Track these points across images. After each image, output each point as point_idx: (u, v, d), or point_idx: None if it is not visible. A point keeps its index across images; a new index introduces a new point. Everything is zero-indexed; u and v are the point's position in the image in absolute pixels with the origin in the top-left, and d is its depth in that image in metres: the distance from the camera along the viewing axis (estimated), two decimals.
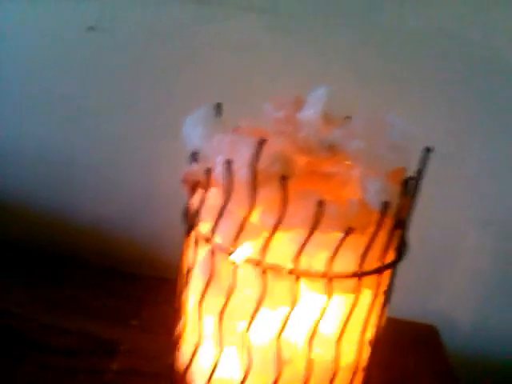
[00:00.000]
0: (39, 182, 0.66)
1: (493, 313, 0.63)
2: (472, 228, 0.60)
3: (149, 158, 0.61)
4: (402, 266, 0.38)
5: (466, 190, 0.59)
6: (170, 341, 0.41)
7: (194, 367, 0.39)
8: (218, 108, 0.38)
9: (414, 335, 0.57)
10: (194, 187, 0.36)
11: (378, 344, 0.40)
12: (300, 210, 0.32)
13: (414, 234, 0.38)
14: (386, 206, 0.32)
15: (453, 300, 0.63)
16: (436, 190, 0.56)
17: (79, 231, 0.65)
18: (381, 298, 0.38)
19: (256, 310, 0.34)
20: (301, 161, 0.34)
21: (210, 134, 0.36)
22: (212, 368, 0.37)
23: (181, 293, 0.39)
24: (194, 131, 0.36)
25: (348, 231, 0.31)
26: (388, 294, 0.38)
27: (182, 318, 0.40)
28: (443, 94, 0.56)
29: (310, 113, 0.36)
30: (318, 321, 0.34)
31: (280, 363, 0.35)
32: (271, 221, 0.32)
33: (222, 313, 0.35)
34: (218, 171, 0.33)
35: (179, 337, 0.40)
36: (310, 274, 0.33)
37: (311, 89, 0.38)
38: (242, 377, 0.35)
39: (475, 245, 0.61)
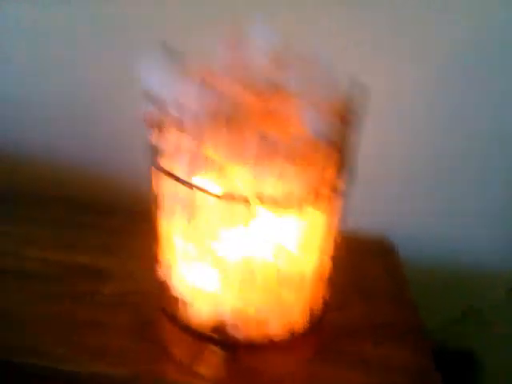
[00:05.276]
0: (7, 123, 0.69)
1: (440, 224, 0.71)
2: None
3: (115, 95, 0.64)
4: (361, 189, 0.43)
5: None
6: (154, 264, 0.47)
7: (177, 282, 0.45)
8: (172, 50, 0.41)
9: (375, 249, 0.65)
10: (153, 126, 0.40)
11: (336, 257, 0.47)
12: (250, 145, 0.36)
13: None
14: (325, 137, 0.37)
15: (407, 215, 0.70)
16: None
17: (56, 170, 0.69)
18: (334, 219, 0.44)
19: (219, 232, 0.39)
20: (250, 100, 0.38)
21: (164, 77, 0.39)
22: (191, 282, 0.43)
23: (155, 222, 0.45)
24: (149, 74, 0.39)
25: (293, 162, 0.36)
26: (341, 215, 0.44)
27: (160, 243, 0.46)
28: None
29: (256, 54, 0.39)
30: (275, 238, 0.40)
31: (250, 276, 0.41)
32: (225, 155, 0.37)
33: (192, 235, 0.41)
34: (174, 112, 0.37)
35: (159, 259, 0.46)
36: (261, 201, 0.38)
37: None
38: (218, 288, 0.42)
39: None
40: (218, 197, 0.38)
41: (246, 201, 0.38)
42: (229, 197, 0.38)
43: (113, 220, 0.64)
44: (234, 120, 0.36)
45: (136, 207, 0.54)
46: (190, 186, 0.38)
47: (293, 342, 0.46)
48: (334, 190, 0.41)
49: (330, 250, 0.46)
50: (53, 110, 0.67)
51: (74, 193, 0.68)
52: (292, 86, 0.37)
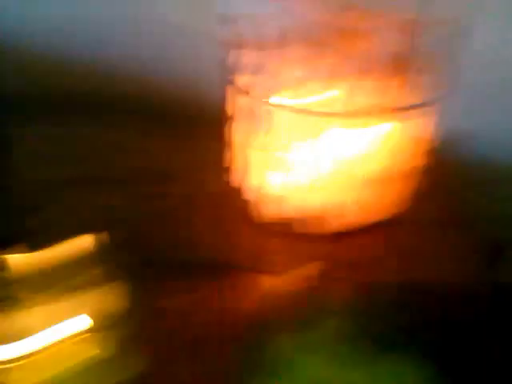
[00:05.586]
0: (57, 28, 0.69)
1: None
2: None
3: None
4: None
5: None
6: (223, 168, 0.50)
7: (249, 186, 0.49)
8: None
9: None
10: (232, 46, 0.42)
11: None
12: (327, 61, 0.38)
13: None
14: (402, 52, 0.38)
15: None
16: None
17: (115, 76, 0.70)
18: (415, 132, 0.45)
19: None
20: (327, 18, 0.38)
21: None
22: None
23: (228, 132, 0.48)
24: None
25: (371, 76, 0.39)
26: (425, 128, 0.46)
27: (232, 152, 0.49)
28: None
29: None
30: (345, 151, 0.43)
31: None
32: (302, 71, 0.39)
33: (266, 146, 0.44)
34: (252, 32, 0.38)
35: (231, 167, 0.50)
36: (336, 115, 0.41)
37: None
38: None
39: None
40: (294, 111, 0.41)
41: (320, 114, 0.41)
42: (304, 111, 0.41)
43: (176, 123, 0.64)
44: (312, 37, 0.37)
45: (198, 112, 0.56)
46: (267, 103, 0.41)
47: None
48: (414, 104, 0.43)
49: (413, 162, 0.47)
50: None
51: (136, 96, 0.68)
52: (371, 6, 0.37)
